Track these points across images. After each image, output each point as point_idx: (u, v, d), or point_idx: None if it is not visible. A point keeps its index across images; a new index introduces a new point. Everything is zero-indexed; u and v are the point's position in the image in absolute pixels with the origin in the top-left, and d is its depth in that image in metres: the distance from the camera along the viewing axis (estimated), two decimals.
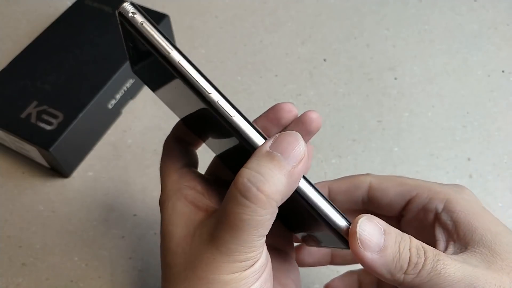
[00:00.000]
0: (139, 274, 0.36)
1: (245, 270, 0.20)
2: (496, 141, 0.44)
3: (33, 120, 0.39)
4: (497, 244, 0.21)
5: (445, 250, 0.23)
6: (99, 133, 0.43)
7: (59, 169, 0.40)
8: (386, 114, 0.46)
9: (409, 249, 0.20)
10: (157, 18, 0.46)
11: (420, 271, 0.20)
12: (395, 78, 0.49)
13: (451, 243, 0.22)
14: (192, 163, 0.26)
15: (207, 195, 0.24)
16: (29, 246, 0.37)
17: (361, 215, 0.20)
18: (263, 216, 0.19)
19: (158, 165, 0.44)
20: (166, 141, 0.26)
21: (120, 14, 0.19)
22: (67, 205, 0.39)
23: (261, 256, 0.21)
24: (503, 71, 0.49)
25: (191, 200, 0.23)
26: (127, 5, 0.19)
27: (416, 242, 0.20)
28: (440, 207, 0.24)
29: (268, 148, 0.19)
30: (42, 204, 0.40)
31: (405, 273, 0.20)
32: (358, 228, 0.20)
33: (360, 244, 0.20)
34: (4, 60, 0.47)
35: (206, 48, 0.51)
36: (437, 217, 0.24)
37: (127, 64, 0.43)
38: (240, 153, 0.21)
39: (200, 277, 0.20)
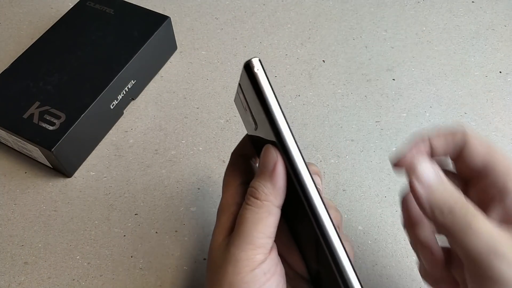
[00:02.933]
0: (140, 272, 0.36)
1: (247, 274, 0.22)
2: (493, 141, 0.44)
3: (35, 120, 0.39)
4: None
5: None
6: (101, 134, 0.44)
7: (61, 169, 0.41)
8: (384, 114, 0.46)
9: (453, 199, 0.22)
10: (158, 20, 0.47)
11: (453, 218, 0.22)
12: (393, 79, 0.49)
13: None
14: (250, 179, 0.28)
15: None
16: (31, 245, 0.38)
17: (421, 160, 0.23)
18: (260, 214, 0.23)
19: (159, 165, 0.44)
20: (232, 153, 0.28)
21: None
22: (69, 205, 0.40)
23: (264, 261, 0.23)
24: (500, 72, 0.50)
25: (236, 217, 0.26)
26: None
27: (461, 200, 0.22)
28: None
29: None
30: (45, 203, 0.40)
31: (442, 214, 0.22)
32: (419, 166, 0.23)
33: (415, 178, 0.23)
34: (6, 61, 0.47)
35: (206, 49, 0.52)
36: (501, 198, 0.24)
37: (128, 65, 0.43)
38: (309, 235, 0.23)
39: (217, 279, 0.23)
